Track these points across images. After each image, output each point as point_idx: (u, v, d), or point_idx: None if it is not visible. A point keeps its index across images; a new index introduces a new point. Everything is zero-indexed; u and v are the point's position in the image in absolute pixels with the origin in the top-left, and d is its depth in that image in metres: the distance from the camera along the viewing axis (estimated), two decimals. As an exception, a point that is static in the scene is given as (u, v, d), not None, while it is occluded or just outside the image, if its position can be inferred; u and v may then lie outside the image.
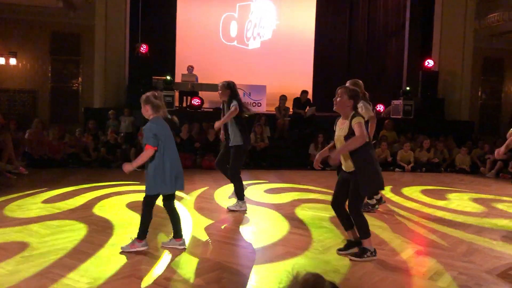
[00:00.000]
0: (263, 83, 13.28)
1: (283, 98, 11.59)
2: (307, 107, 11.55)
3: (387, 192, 7.54)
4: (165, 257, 3.85)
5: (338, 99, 4.01)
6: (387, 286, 3.36)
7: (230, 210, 5.73)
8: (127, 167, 3.96)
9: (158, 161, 3.91)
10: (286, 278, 1.34)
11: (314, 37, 15.81)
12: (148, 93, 3.99)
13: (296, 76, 15.11)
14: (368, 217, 5.52)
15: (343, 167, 4.04)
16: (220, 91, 5.71)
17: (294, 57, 15.50)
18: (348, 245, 4.11)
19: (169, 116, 4.09)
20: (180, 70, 13.40)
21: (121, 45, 12.67)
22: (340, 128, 4.01)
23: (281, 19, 15.70)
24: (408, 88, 12.93)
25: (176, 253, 3.96)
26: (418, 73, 13.20)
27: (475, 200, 7.06)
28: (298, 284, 1.31)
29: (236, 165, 5.72)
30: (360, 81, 5.33)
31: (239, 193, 5.77)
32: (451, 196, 7.39)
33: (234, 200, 5.83)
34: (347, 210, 4.04)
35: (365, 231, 3.99)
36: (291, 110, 11.74)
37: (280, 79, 14.49)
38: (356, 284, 3.38)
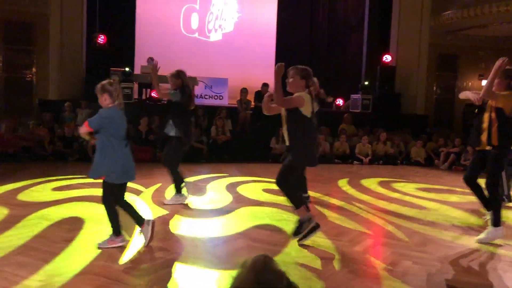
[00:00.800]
0: (225, 76, 13.22)
1: (244, 91, 11.59)
2: None
3: (344, 184, 7.70)
4: (120, 253, 3.77)
5: (290, 80, 4.07)
6: (344, 276, 3.43)
7: (166, 204, 5.56)
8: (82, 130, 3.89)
9: (118, 150, 3.83)
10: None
11: (276, 31, 15.86)
12: (103, 82, 3.87)
13: (258, 69, 15.10)
14: (327, 210, 5.64)
15: (286, 141, 4.16)
16: (170, 82, 5.54)
17: (256, 50, 15.50)
18: (299, 228, 4.13)
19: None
20: (140, 61, 13.14)
21: (77, 35, 12.29)
22: None
23: (243, 12, 15.66)
24: (366, 83, 13.20)
25: (132, 249, 3.90)
26: (376, 68, 13.49)
27: (429, 192, 7.30)
28: (248, 268, 1.33)
29: (175, 158, 5.56)
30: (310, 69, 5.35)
31: (177, 185, 5.62)
32: (407, 187, 7.62)
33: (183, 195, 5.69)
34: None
35: (297, 201, 4.11)
36: (253, 103, 11.76)
37: (242, 72, 14.46)
38: (316, 274, 3.43)
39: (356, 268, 3.59)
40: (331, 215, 5.38)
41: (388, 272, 3.52)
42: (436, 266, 3.71)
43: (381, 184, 7.88)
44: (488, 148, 4.45)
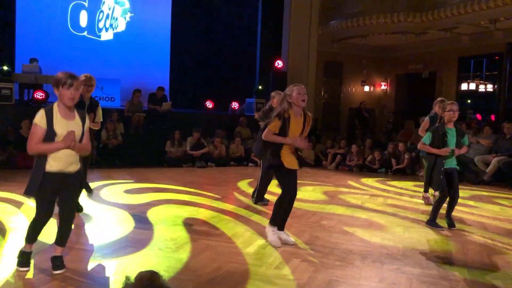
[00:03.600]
0: (117, 77, 12.76)
1: (136, 92, 11.31)
2: (163, 104, 11.43)
3: (243, 185, 7.84)
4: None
5: None
6: (236, 278, 3.49)
7: None
8: None
9: None
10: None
11: (171, 31, 15.67)
12: None
13: (152, 71, 14.83)
14: (222, 212, 5.70)
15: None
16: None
17: (150, 51, 15.15)
18: (60, 264, 3.50)
19: None
20: (22, 60, 12.17)
21: None
22: None
23: (135, 11, 15.22)
24: (260, 87, 13.60)
25: (11, 264, 3.60)
26: (269, 73, 13.95)
27: (318, 191, 7.73)
28: (134, 285, 1.30)
29: None
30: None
31: None
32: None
33: None
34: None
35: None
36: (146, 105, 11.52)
37: (135, 74, 14.07)
38: (208, 278, 3.45)
39: (247, 270, 3.68)
40: (224, 218, 5.45)
41: (277, 272, 3.66)
42: (323, 262, 3.94)
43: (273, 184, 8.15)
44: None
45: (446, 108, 5.25)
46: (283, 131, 4.31)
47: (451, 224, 5.37)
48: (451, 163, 5.27)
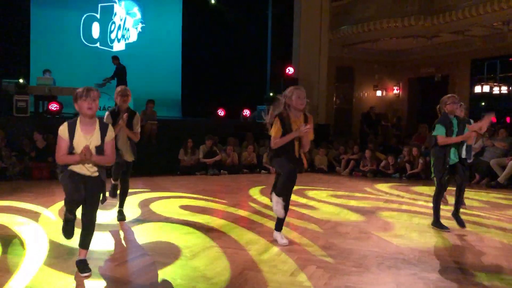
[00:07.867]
0: (129, 87, 12.84)
1: (149, 103, 11.38)
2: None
3: (255, 193, 7.84)
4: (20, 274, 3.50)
5: None
6: (252, 286, 3.47)
7: None
8: None
9: None
10: None
11: (182, 41, 15.81)
12: None
13: (164, 80, 14.96)
14: (236, 219, 5.70)
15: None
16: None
17: (162, 60, 15.32)
18: (84, 267, 3.65)
19: None
20: (36, 72, 12.37)
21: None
22: None
23: (147, 21, 15.41)
24: (271, 94, 13.62)
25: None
26: (280, 80, 13.97)
27: (332, 197, 7.69)
28: None
29: None
30: None
31: None
32: (311, 194, 7.94)
33: None
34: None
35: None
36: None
37: (147, 83, 14.19)
38: (224, 286, 3.45)
39: (263, 277, 3.67)
40: (239, 225, 5.45)
41: (293, 279, 3.64)
42: (339, 269, 3.91)
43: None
44: None
45: (447, 102, 5.32)
46: (285, 132, 4.36)
47: (460, 223, 5.38)
48: (455, 157, 5.30)
